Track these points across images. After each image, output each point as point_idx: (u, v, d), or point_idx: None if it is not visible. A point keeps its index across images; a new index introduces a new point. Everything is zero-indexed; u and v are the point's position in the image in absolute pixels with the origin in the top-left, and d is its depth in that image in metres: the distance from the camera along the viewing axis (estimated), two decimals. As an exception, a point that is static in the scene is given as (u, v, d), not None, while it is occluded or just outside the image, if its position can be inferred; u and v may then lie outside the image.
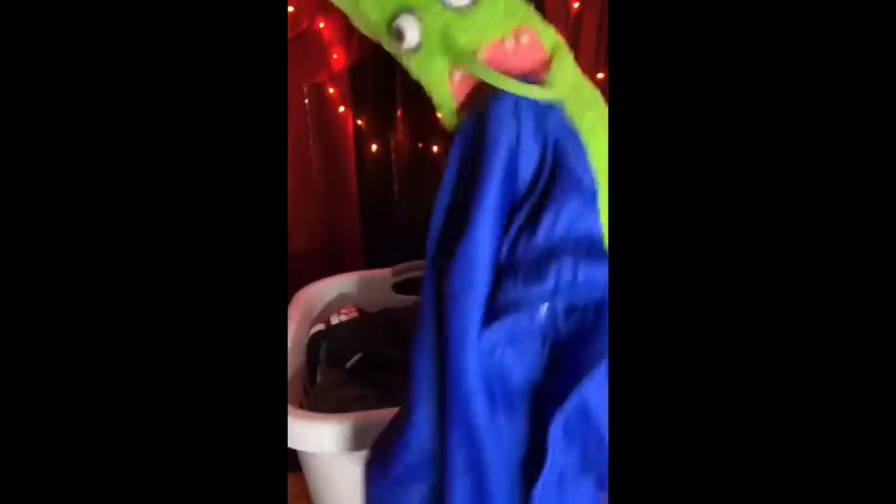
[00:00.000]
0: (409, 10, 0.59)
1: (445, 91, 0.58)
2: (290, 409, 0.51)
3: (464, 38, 0.56)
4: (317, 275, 0.74)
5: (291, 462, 0.55)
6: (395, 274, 0.74)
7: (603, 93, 0.78)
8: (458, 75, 0.58)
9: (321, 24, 0.81)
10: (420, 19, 0.57)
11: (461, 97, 0.58)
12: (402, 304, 0.75)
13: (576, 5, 0.78)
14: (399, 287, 0.75)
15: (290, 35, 0.80)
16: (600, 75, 0.80)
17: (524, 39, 0.57)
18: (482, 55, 0.56)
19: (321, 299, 0.73)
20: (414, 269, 0.74)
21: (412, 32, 0.58)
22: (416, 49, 0.58)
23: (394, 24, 0.59)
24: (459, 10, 0.57)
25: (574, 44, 0.79)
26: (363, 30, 0.63)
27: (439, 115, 0.60)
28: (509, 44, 0.56)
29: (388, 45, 0.61)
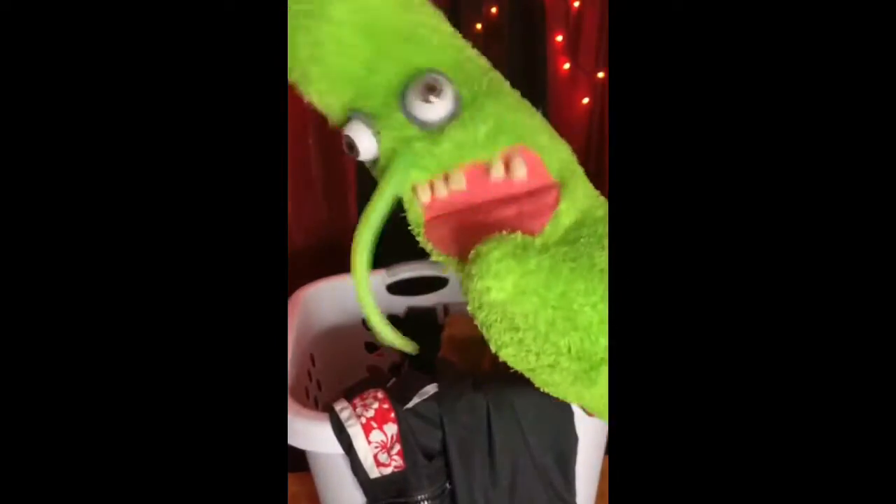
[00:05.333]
0: (363, 115, 0.52)
1: (414, 208, 0.52)
2: (295, 408, 0.51)
3: (431, 162, 0.51)
4: (315, 274, 0.74)
5: (298, 461, 0.55)
6: (389, 275, 0.74)
7: (603, 91, 0.77)
8: (425, 196, 0.52)
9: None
10: (377, 132, 0.52)
11: (434, 213, 0.52)
12: (395, 304, 0.75)
13: (576, 4, 0.78)
14: (392, 288, 0.75)
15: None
16: (601, 75, 0.79)
17: (519, 170, 0.50)
18: (457, 181, 0.51)
19: (320, 299, 0.73)
20: (407, 270, 0.74)
21: (366, 143, 0.52)
22: (373, 162, 0.54)
23: (343, 131, 0.53)
24: (426, 126, 0.51)
25: (574, 43, 0.79)
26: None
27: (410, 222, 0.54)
28: (497, 172, 0.50)
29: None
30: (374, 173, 0.56)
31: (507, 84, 0.56)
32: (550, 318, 0.44)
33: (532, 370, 0.48)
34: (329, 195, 0.85)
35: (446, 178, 0.52)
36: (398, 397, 0.52)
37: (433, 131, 0.51)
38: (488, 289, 0.45)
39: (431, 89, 0.51)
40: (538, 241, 0.49)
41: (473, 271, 0.46)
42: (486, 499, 0.51)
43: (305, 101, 0.57)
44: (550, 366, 0.46)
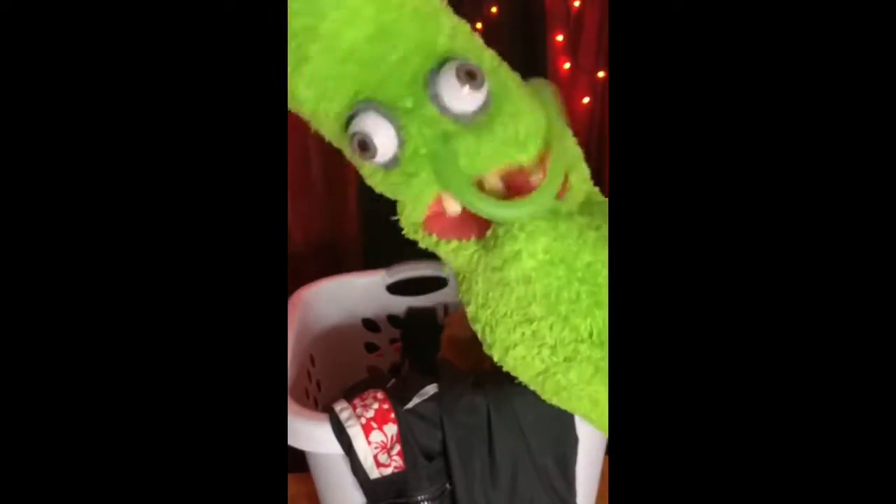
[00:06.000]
0: (376, 106, 0.43)
1: (420, 212, 0.46)
2: (295, 409, 0.51)
3: (475, 163, 0.43)
4: (315, 274, 0.74)
5: (298, 462, 0.55)
6: (389, 275, 0.74)
7: (603, 91, 0.77)
8: (435, 206, 0.45)
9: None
10: (401, 126, 0.43)
11: (439, 225, 0.46)
12: (395, 304, 0.75)
13: (576, 4, 0.78)
14: (392, 288, 0.75)
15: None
16: (601, 74, 0.79)
17: (560, 179, 0.44)
18: (493, 186, 0.44)
19: (320, 299, 0.73)
20: (407, 270, 0.74)
21: (385, 140, 0.43)
22: (391, 165, 0.45)
23: (351, 128, 0.44)
24: (466, 120, 0.43)
25: (574, 43, 0.79)
26: (326, 133, 0.48)
27: (401, 220, 0.48)
28: (536, 178, 0.44)
29: (347, 154, 0.46)
30: (381, 181, 0.47)
31: (508, 69, 0.50)
32: (575, 293, 0.41)
33: (545, 371, 0.44)
34: (329, 195, 0.85)
35: (480, 183, 0.45)
36: (398, 398, 0.52)
37: (468, 126, 0.43)
38: (518, 253, 0.41)
39: (471, 76, 0.43)
40: (562, 206, 0.45)
41: (501, 232, 0.42)
42: (487, 499, 0.51)
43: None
44: (567, 359, 0.43)
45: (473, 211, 0.44)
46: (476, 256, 0.47)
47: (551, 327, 0.42)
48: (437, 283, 0.75)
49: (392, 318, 0.76)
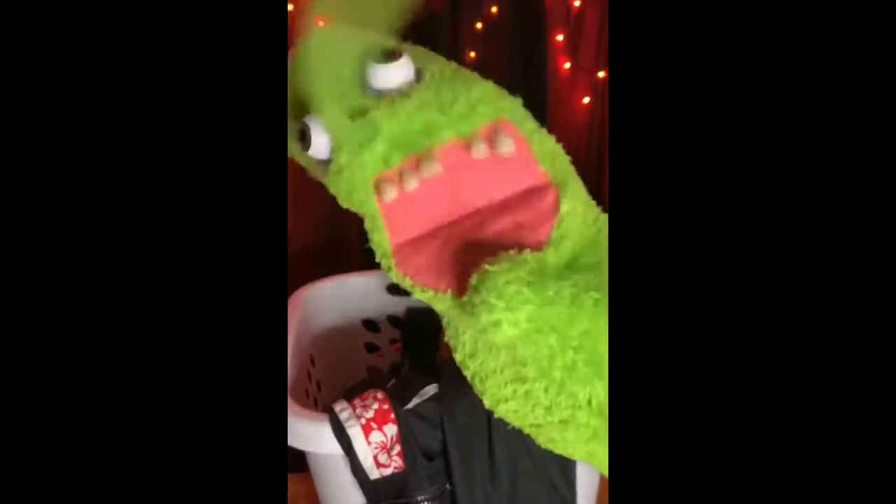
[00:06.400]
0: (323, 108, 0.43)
1: (377, 228, 0.44)
2: (295, 409, 0.51)
3: (394, 132, 0.41)
4: (315, 275, 0.74)
5: (297, 462, 0.55)
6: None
7: (603, 91, 0.77)
8: (391, 192, 0.43)
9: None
10: (322, 105, 0.43)
11: (401, 228, 0.44)
12: (395, 305, 0.75)
13: (576, 4, 0.78)
14: (392, 288, 0.75)
15: (290, 34, 0.80)
16: (601, 74, 0.79)
17: (504, 144, 0.42)
18: (430, 165, 0.42)
19: (320, 299, 0.73)
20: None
21: (319, 137, 0.43)
22: (327, 161, 0.45)
23: (304, 121, 0.44)
24: (385, 94, 0.42)
25: (575, 43, 0.79)
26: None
27: (375, 251, 0.45)
28: (479, 148, 0.42)
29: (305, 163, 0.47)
30: (327, 180, 0.46)
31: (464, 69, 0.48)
32: (570, 361, 0.37)
33: (538, 426, 0.42)
34: (329, 195, 0.85)
35: (417, 163, 0.42)
36: (398, 398, 0.51)
37: (390, 97, 0.42)
38: (498, 323, 0.36)
39: (391, 55, 0.43)
40: (550, 256, 0.40)
41: (477, 300, 0.37)
42: (487, 499, 0.51)
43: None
44: (564, 421, 0.39)
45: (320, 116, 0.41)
46: (453, 313, 0.43)
47: (546, 390, 0.39)
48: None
49: (392, 319, 0.76)
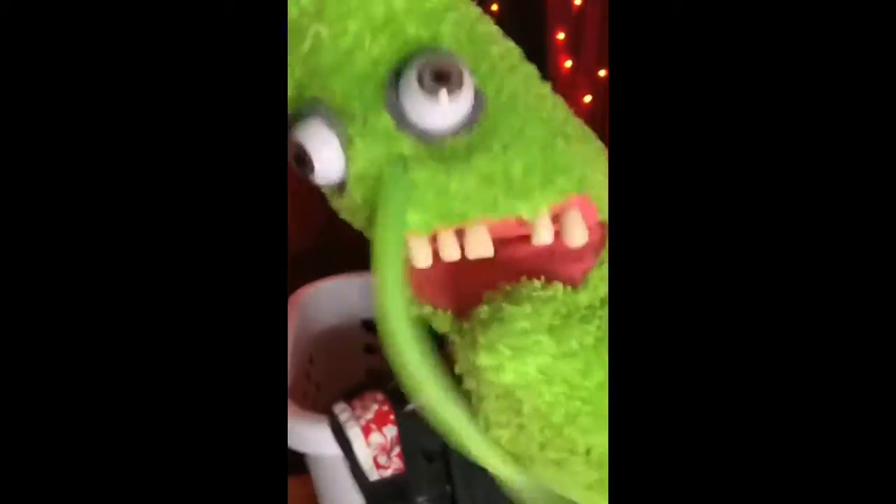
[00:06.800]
0: (324, 110, 0.33)
1: (395, 275, 0.33)
2: (294, 411, 0.51)
3: (441, 203, 0.31)
4: (315, 275, 0.74)
5: (297, 464, 0.55)
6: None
7: (605, 90, 0.77)
8: (423, 258, 0.34)
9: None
10: (348, 138, 0.33)
11: (414, 278, 0.34)
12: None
13: (577, 2, 0.77)
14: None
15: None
16: (602, 73, 0.79)
17: (576, 233, 0.33)
18: (479, 242, 0.32)
19: (320, 299, 0.73)
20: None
21: (328, 156, 0.34)
22: (338, 189, 0.36)
23: (292, 135, 0.34)
24: (428, 138, 0.31)
25: (576, 41, 0.79)
26: None
27: (379, 312, 0.35)
28: (542, 236, 0.33)
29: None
30: (338, 205, 0.37)
31: (539, 80, 0.38)
32: (575, 411, 0.32)
33: (530, 459, 0.35)
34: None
35: (459, 234, 0.33)
36: (398, 399, 0.51)
37: (438, 147, 0.32)
38: (500, 368, 0.31)
39: (442, 77, 0.31)
40: (583, 298, 0.33)
41: (483, 340, 0.31)
42: (487, 500, 0.51)
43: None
44: (556, 463, 0.34)
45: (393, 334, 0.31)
46: (455, 329, 0.37)
47: (542, 430, 0.33)
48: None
49: (392, 319, 0.76)
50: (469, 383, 0.36)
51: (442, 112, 0.32)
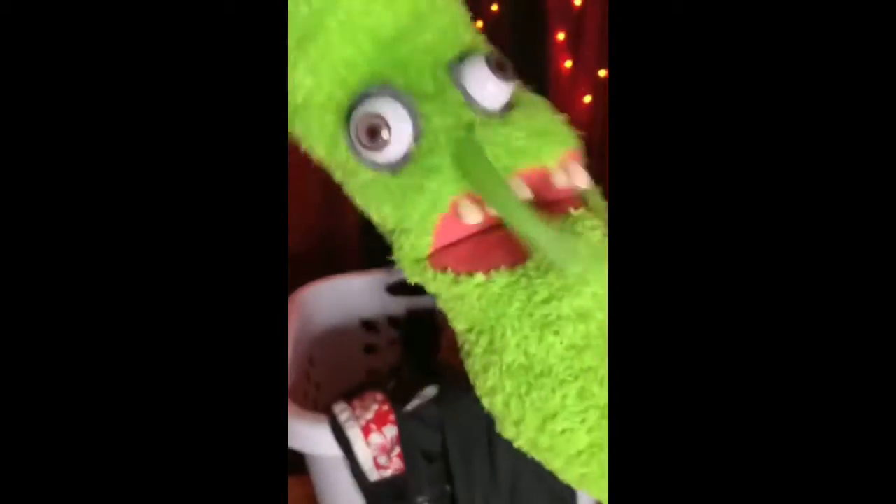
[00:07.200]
0: (394, 91, 0.39)
1: (427, 234, 0.39)
2: (294, 411, 0.51)
3: (504, 159, 0.37)
4: (315, 275, 0.74)
5: (296, 464, 0.55)
6: (389, 275, 0.74)
7: (605, 90, 0.77)
8: (474, 215, 0.38)
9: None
10: (421, 114, 0.38)
11: (448, 237, 0.39)
12: (395, 305, 0.75)
13: (577, 2, 0.77)
14: (393, 288, 0.75)
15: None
16: (602, 73, 0.79)
17: (579, 176, 0.40)
18: (519, 188, 0.37)
19: (320, 299, 0.73)
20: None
21: (402, 128, 0.38)
22: (399, 165, 0.39)
23: (359, 112, 0.38)
24: (488, 113, 0.39)
25: (576, 41, 0.79)
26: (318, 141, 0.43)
27: (395, 255, 0.41)
28: (561, 177, 0.40)
29: (337, 161, 0.42)
30: (382, 190, 0.40)
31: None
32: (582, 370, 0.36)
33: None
34: (329, 195, 0.85)
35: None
36: (398, 399, 0.51)
37: (494, 120, 0.39)
38: (582, 284, 0.36)
39: (501, 67, 0.40)
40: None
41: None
42: (487, 501, 0.51)
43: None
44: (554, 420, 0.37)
45: (509, 219, 0.36)
46: (509, 292, 0.38)
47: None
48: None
49: (392, 320, 0.76)
50: (512, 383, 0.38)
51: (499, 91, 0.40)
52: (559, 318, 0.36)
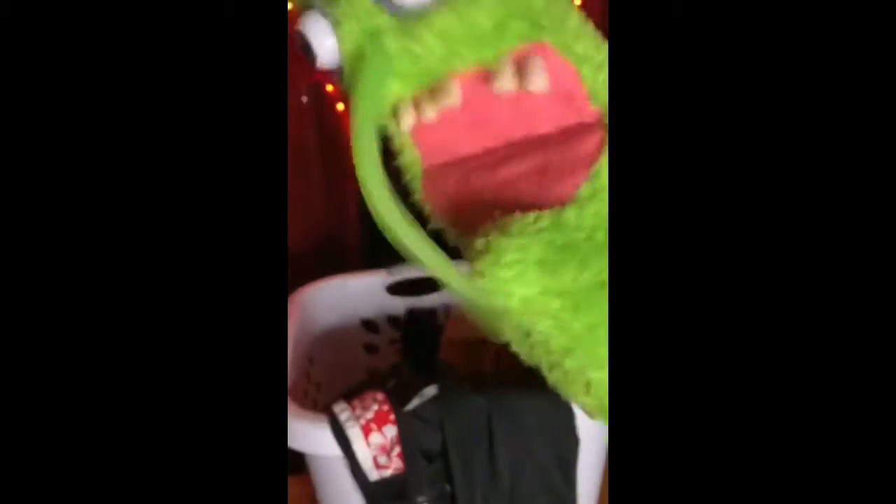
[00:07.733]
0: (317, 2, 0.38)
1: (406, 144, 0.39)
2: (293, 410, 0.51)
3: (410, 65, 0.36)
4: (315, 275, 0.74)
5: (296, 464, 0.55)
6: (389, 275, 0.74)
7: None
8: (407, 119, 0.38)
9: None
10: (336, 22, 0.37)
11: (431, 151, 0.39)
12: (395, 305, 0.75)
13: (577, 2, 0.77)
14: (392, 288, 0.75)
15: (290, 31, 0.79)
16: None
17: (536, 78, 0.35)
18: (448, 93, 0.36)
19: (320, 299, 0.73)
20: (408, 270, 0.73)
21: (323, 42, 0.38)
22: (339, 74, 0.39)
23: (297, 30, 0.39)
24: (400, 12, 0.36)
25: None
26: None
27: (407, 181, 0.41)
28: (502, 80, 0.36)
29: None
30: (342, 87, 0.40)
31: None
32: (567, 346, 0.35)
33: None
34: (329, 194, 0.85)
35: (432, 92, 0.37)
36: (398, 399, 0.51)
37: (410, 20, 0.36)
38: (492, 293, 0.35)
39: None
40: (570, 214, 0.35)
41: (477, 267, 0.35)
42: (487, 501, 0.51)
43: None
44: (562, 384, 0.39)
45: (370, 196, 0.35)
46: (463, 245, 0.39)
47: (547, 355, 0.37)
48: (437, 284, 0.75)
49: (392, 320, 0.76)
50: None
51: None
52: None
